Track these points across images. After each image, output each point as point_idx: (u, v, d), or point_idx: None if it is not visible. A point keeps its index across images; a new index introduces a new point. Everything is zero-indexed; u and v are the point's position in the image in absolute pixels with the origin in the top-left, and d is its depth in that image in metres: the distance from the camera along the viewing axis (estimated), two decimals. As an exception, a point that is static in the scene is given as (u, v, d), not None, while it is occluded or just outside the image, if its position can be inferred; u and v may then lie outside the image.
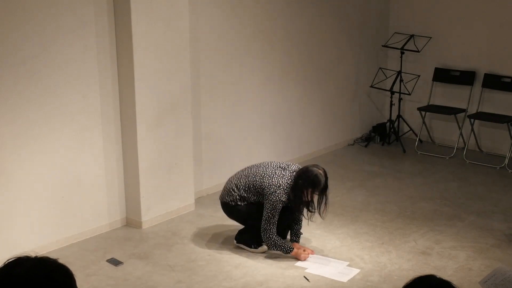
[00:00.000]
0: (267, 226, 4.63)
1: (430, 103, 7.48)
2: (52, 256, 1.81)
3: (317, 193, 4.59)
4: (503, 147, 7.00)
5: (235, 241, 4.94)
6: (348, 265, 4.69)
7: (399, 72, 7.36)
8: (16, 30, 4.47)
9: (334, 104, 7.30)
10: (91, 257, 4.80)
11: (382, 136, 7.60)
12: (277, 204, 4.60)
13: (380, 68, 7.59)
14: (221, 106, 6.02)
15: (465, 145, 7.18)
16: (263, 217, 4.64)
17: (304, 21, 6.72)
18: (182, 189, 5.54)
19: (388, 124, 7.56)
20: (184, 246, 5.00)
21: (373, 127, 7.72)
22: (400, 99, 7.47)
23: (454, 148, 7.13)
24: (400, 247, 4.97)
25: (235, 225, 5.10)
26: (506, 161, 6.77)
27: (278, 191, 4.59)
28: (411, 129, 7.54)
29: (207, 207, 5.71)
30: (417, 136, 7.45)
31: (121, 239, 5.13)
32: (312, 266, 4.67)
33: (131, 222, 5.34)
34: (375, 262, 4.73)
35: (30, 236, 4.76)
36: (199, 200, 5.83)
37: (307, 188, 4.55)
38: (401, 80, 7.36)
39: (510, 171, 6.66)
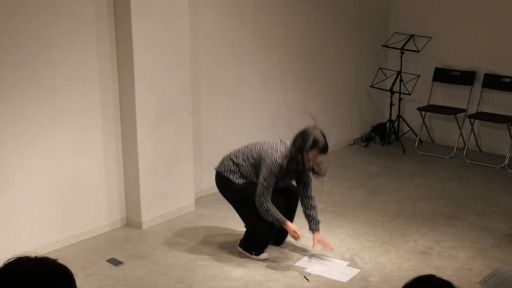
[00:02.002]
0: (261, 190, 4.50)
1: (430, 103, 7.48)
2: (52, 256, 1.81)
3: (318, 152, 4.50)
4: (503, 147, 7.00)
5: (238, 248, 4.91)
6: (348, 265, 4.69)
7: (399, 72, 7.36)
8: (16, 30, 4.47)
9: (334, 104, 7.30)
10: (91, 257, 4.80)
11: (382, 136, 7.60)
12: (272, 166, 4.48)
13: (380, 68, 7.59)
14: (221, 106, 6.02)
15: (465, 145, 7.18)
16: (259, 181, 4.52)
17: (304, 21, 6.72)
18: (182, 189, 5.54)
19: (388, 124, 7.56)
20: (184, 246, 5.00)
21: (373, 127, 7.72)
22: (400, 99, 7.47)
23: (454, 148, 7.14)
24: (400, 247, 4.97)
25: (235, 225, 5.10)
26: (506, 161, 6.77)
27: (274, 154, 4.51)
28: (411, 129, 7.54)
29: (207, 207, 5.71)
30: (417, 136, 7.45)
31: (121, 239, 5.13)
32: (312, 266, 4.67)
33: (131, 222, 5.34)
34: (375, 262, 4.73)
35: (30, 236, 4.76)
36: (199, 200, 5.83)
37: (306, 148, 4.47)
38: (401, 80, 7.37)
39: (510, 171, 6.66)
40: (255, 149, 4.65)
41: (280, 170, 4.53)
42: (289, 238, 5.00)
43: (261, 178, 4.52)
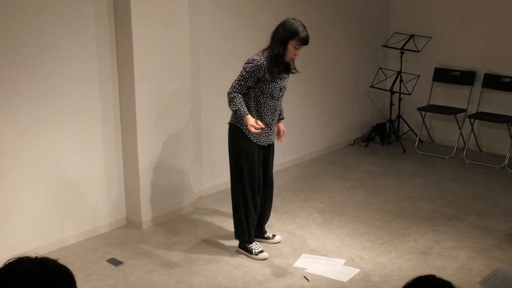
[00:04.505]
0: (234, 83, 4.54)
1: (430, 103, 7.48)
2: (52, 256, 1.81)
3: (299, 43, 4.48)
4: (503, 147, 7.00)
5: (238, 248, 4.91)
6: (345, 263, 4.69)
7: (399, 72, 7.36)
8: (16, 31, 4.47)
9: (334, 104, 7.30)
10: (91, 257, 4.80)
11: (382, 136, 7.60)
12: (248, 64, 4.51)
13: (380, 68, 7.59)
14: (221, 106, 6.01)
15: (465, 145, 7.18)
16: (236, 79, 4.57)
17: (304, 21, 6.68)
18: (182, 189, 5.54)
19: (388, 124, 7.56)
20: (184, 246, 5.00)
21: (373, 127, 7.73)
22: (400, 99, 7.47)
23: (454, 148, 7.14)
24: (400, 247, 4.97)
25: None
26: (506, 161, 6.77)
27: (253, 57, 4.56)
28: (411, 129, 7.54)
29: (207, 207, 5.71)
30: (417, 136, 7.45)
31: (121, 239, 5.13)
32: (312, 266, 4.67)
33: (131, 222, 5.34)
34: (375, 262, 4.73)
35: (30, 236, 4.76)
36: (199, 200, 5.83)
37: (287, 38, 4.45)
38: (401, 80, 7.37)
39: (510, 171, 6.66)
40: None
41: (259, 69, 4.50)
42: (280, 237, 5.01)
43: (237, 76, 4.56)
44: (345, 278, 4.50)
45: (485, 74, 7.10)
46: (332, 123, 7.31)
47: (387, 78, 7.54)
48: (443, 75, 7.40)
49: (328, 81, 7.16)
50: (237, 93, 4.56)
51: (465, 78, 7.24)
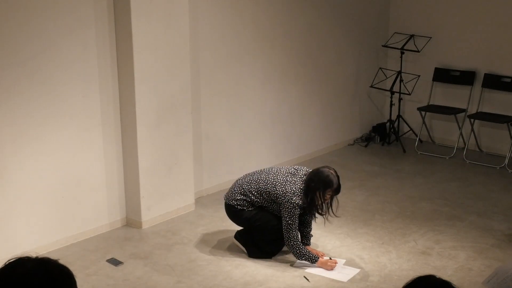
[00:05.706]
0: (289, 234, 4.58)
1: (430, 103, 7.48)
2: (53, 256, 1.81)
3: (331, 193, 4.58)
4: (503, 147, 7.00)
5: (234, 239, 4.93)
6: (345, 263, 4.69)
7: (399, 72, 7.36)
8: (16, 31, 4.47)
9: (334, 104, 7.30)
10: (91, 257, 4.80)
11: (382, 136, 7.60)
12: (294, 210, 4.55)
13: (380, 68, 7.59)
14: (221, 106, 6.02)
15: (465, 145, 7.18)
16: (283, 226, 4.59)
17: (304, 21, 6.72)
18: (182, 189, 5.54)
19: (388, 124, 7.57)
20: (184, 246, 5.00)
21: (373, 127, 7.73)
22: (400, 99, 7.47)
23: (454, 148, 7.14)
24: (400, 247, 4.97)
25: (235, 225, 5.09)
26: (506, 161, 6.77)
27: (293, 198, 4.55)
28: (411, 129, 7.54)
29: (207, 207, 5.71)
30: (417, 136, 7.45)
31: (121, 239, 5.13)
32: (312, 266, 4.66)
33: (131, 222, 5.34)
34: (375, 262, 4.73)
35: (30, 236, 4.76)
36: (199, 200, 5.83)
37: (320, 189, 4.53)
38: (401, 80, 7.37)
39: (510, 171, 6.66)
40: (268, 187, 4.65)
41: (300, 208, 4.61)
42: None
43: (285, 223, 4.58)
44: (345, 278, 4.51)
45: (485, 74, 7.10)
46: (332, 123, 7.31)
47: (387, 78, 7.54)
48: (443, 75, 7.40)
49: (328, 81, 7.16)
50: (298, 241, 4.62)
51: (465, 78, 7.24)
